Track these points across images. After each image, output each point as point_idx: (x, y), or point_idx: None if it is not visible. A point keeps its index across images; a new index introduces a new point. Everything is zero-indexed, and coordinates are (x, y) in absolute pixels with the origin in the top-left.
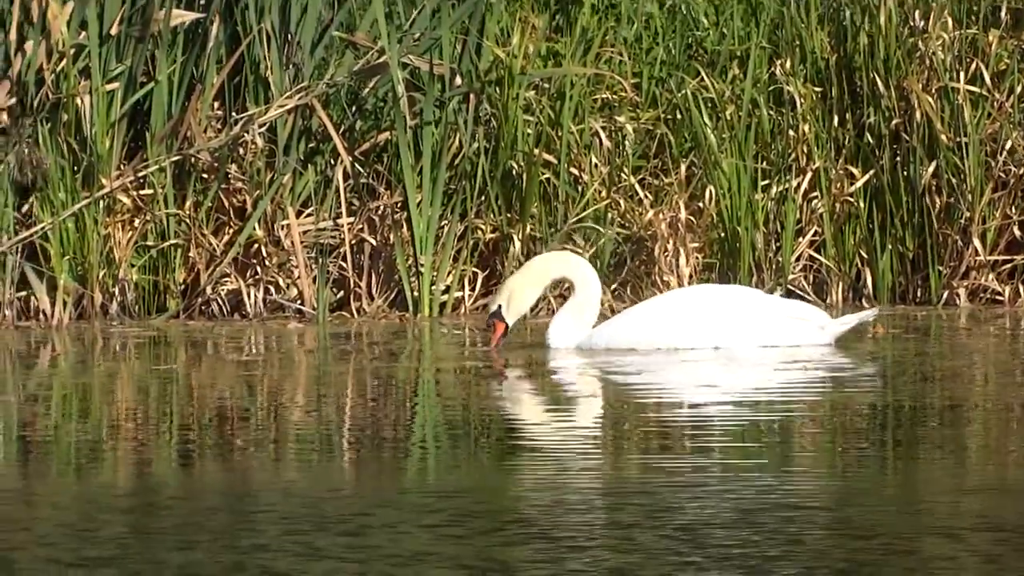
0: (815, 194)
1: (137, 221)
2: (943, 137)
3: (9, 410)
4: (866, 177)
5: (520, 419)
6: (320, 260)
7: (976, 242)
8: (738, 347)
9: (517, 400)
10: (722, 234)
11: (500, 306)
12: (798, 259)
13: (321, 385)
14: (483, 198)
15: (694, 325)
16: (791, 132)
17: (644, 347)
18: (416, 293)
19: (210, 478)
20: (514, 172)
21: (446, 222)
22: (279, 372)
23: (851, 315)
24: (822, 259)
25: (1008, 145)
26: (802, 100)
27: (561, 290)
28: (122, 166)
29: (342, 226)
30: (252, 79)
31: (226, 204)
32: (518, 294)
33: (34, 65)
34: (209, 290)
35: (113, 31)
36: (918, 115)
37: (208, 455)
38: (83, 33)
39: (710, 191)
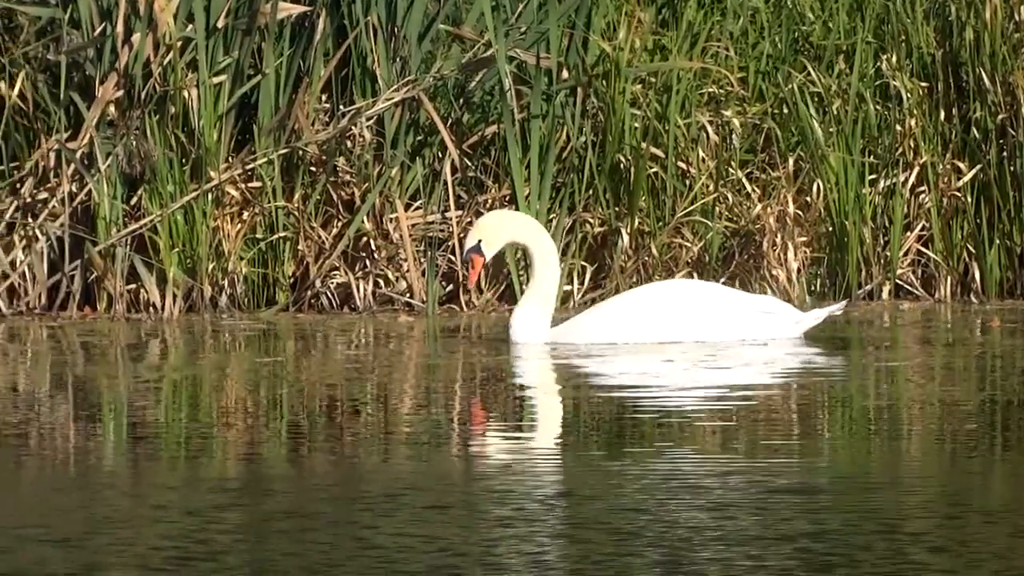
0: (922, 189)
1: (246, 214)
2: None
3: (120, 401)
4: (973, 172)
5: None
6: (429, 253)
7: None
8: (711, 341)
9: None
10: (830, 228)
11: (479, 241)
12: (906, 254)
13: (430, 378)
14: (591, 192)
15: (667, 320)
16: (898, 127)
17: (619, 342)
18: (524, 286)
19: (319, 469)
20: (622, 166)
21: (554, 216)
22: (388, 365)
23: (821, 309)
24: (930, 254)
25: None
26: (908, 95)
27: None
28: (230, 158)
29: (450, 219)
30: (359, 72)
31: (334, 197)
32: (497, 228)
33: (141, 58)
34: (318, 283)
35: (220, 24)
36: None
37: (317, 446)
38: (190, 26)
39: (817, 185)
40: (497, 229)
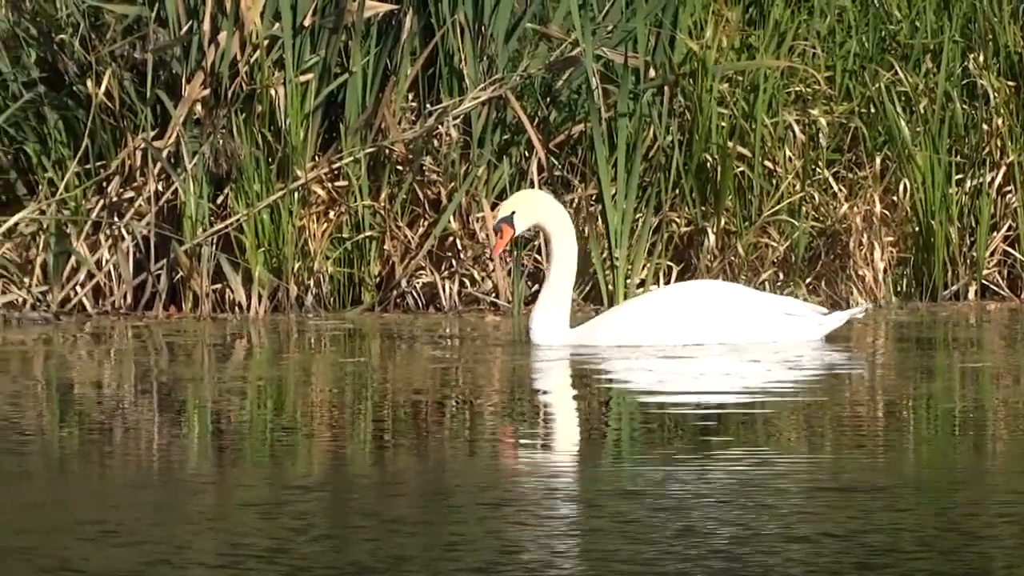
0: (1009, 188)
1: (332, 213)
2: None
3: (205, 400)
4: None
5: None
6: (515, 253)
7: None
8: (735, 343)
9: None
10: (916, 228)
11: (513, 213)
12: (992, 254)
13: (515, 378)
14: (677, 191)
15: (691, 322)
16: (984, 126)
17: (640, 344)
18: (611, 286)
19: (404, 468)
20: (708, 165)
21: (640, 215)
22: (474, 365)
23: (843, 311)
24: (1016, 254)
25: None
26: (995, 94)
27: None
28: (316, 157)
29: None
30: (446, 71)
31: (421, 196)
32: (534, 202)
33: (228, 56)
34: (404, 283)
35: (307, 22)
36: None
37: (401, 446)
38: (277, 24)
39: (904, 185)
40: (534, 206)
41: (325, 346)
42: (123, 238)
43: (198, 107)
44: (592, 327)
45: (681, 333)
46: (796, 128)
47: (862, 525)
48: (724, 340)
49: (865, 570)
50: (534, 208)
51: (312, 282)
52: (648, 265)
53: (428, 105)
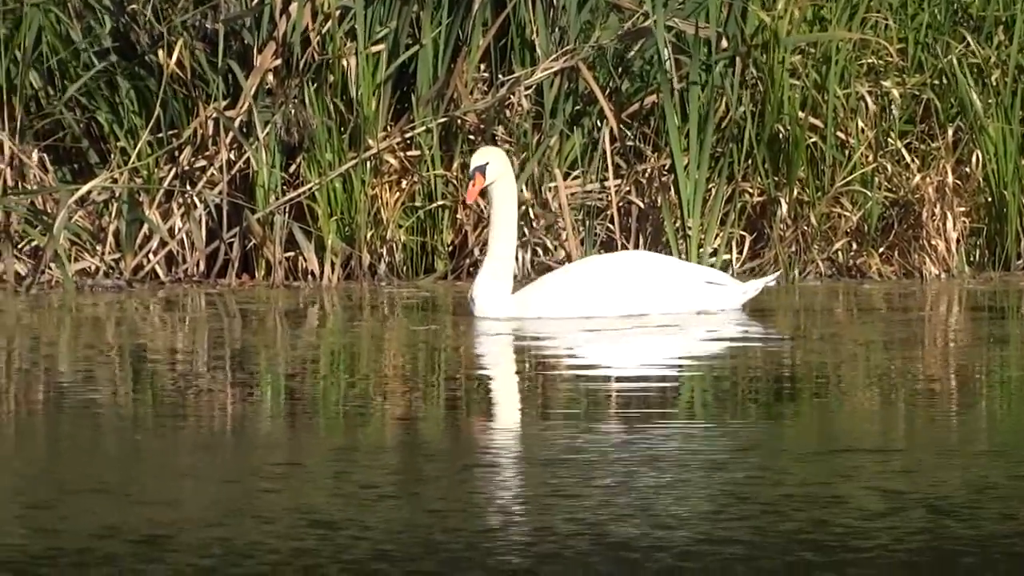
0: None
1: (404, 182)
2: None
3: (277, 367)
4: None
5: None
6: (587, 222)
7: None
8: (658, 312)
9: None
10: (988, 199)
11: (487, 163)
12: None
13: (585, 346)
14: (750, 161)
15: (619, 292)
16: None
17: (571, 316)
18: (684, 256)
19: (474, 435)
20: (780, 136)
21: (713, 185)
22: (544, 334)
23: (758, 280)
24: None
25: None
26: None
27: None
28: (388, 127)
29: (609, 188)
30: (517, 41)
31: None
32: (499, 162)
33: (299, 27)
34: (476, 251)
35: None
36: None
37: (471, 413)
38: None
39: (977, 156)
40: (503, 162)
41: (397, 314)
42: (195, 206)
43: (270, 77)
44: (524, 297)
45: (609, 304)
46: (868, 99)
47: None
48: (649, 310)
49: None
50: (503, 164)
51: (385, 250)
52: (721, 235)
53: (500, 75)
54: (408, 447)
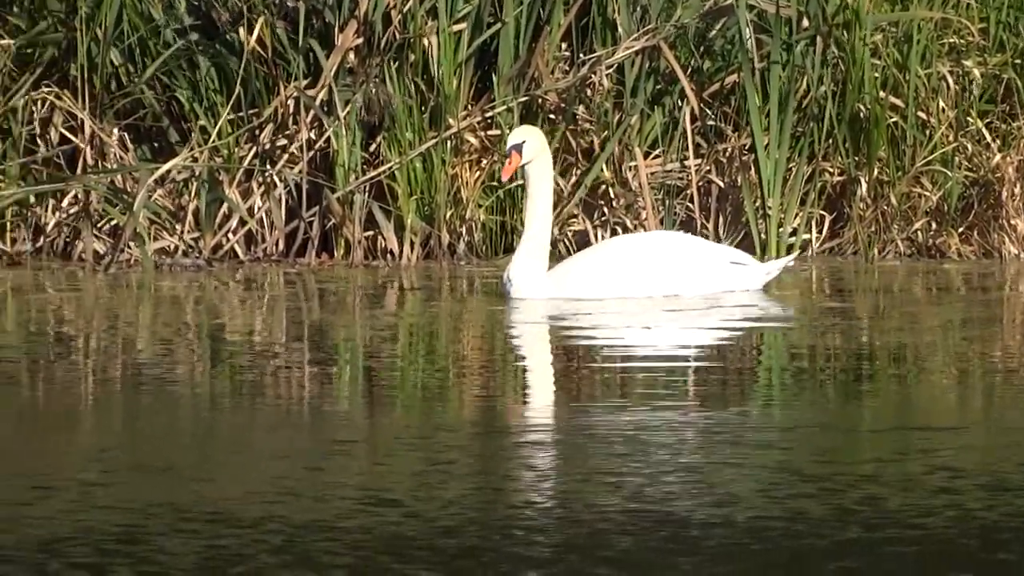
0: None
1: (484, 161)
2: None
3: (356, 345)
4: None
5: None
6: (667, 202)
7: None
8: (685, 293)
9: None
10: None
11: (524, 142)
12: None
13: (672, 325)
14: (830, 141)
15: (652, 273)
16: None
17: (608, 296)
18: (764, 235)
19: (554, 414)
20: (861, 115)
21: (793, 164)
22: (625, 312)
23: (779, 260)
24: None
25: None
26: None
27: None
28: (469, 106)
29: (689, 168)
30: (599, 20)
31: (573, 145)
32: (535, 142)
33: (381, 5)
34: (556, 231)
35: None
36: None
37: (553, 391)
38: None
39: None
40: (540, 141)
41: (476, 293)
42: (275, 185)
43: (351, 56)
44: (559, 279)
45: (642, 284)
46: (949, 79)
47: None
48: (678, 291)
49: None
50: (539, 142)
51: (464, 230)
52: (801, 214)
53: (581, 55)
54: (477, 425)
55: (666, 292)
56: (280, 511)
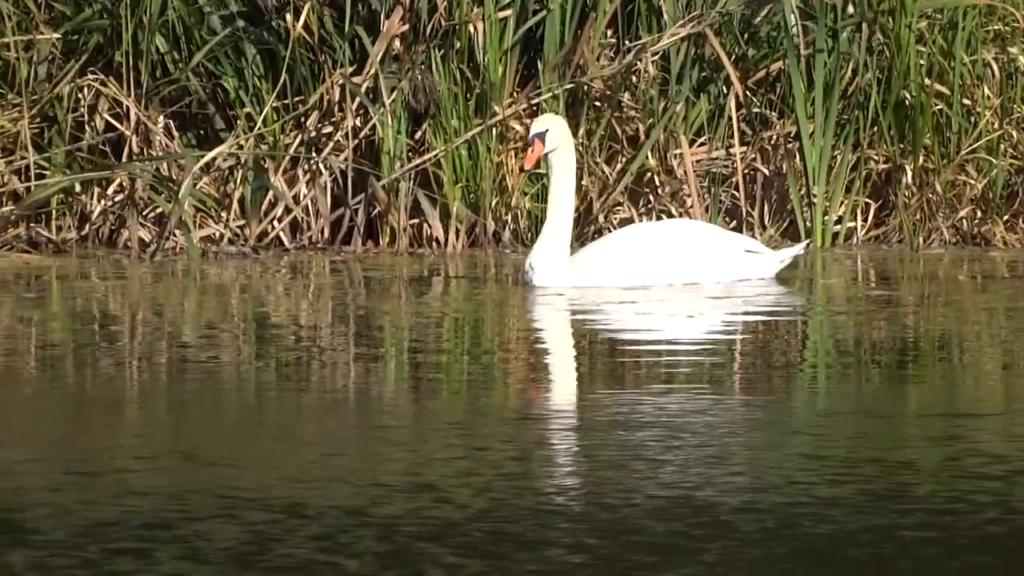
0: None
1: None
2: None
3: (402, 333)
4: None
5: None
6: (713, 189)
7: None
8: (704, 281)
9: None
10: None
11: (547, 131)
12: None
13: (709, 313)
14: (875, 128)
15: (673, 260)
16: None
17: (628, 284)
18: (808, 223)
19: (592, 401)
20: (906, 103)
21: (838, 152)
22: (668, 300)
23: (790, 248)
24: None
25: None
26: None
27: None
28: (515, 93)
29: (734, 155)
30: (644, 7)
31: (619, 132)
32: (558, 130)
33: None
34: (601, 218)
35: None
36: None
37: (599, 379)
38: None
39: None
40: (564, 129)
41: (521, 281)
42: (321, 173)
43: (396, 43)
44: (580, 268)
45: (663, 272)
46: (995, 66)
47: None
48: (694, 279)
49: None
50: (563, 131)
51: (509, 217)
52: (846, 202)
53: (626, 41)
54: (515, 411)
55: (686, 280)
56: (319, 497)
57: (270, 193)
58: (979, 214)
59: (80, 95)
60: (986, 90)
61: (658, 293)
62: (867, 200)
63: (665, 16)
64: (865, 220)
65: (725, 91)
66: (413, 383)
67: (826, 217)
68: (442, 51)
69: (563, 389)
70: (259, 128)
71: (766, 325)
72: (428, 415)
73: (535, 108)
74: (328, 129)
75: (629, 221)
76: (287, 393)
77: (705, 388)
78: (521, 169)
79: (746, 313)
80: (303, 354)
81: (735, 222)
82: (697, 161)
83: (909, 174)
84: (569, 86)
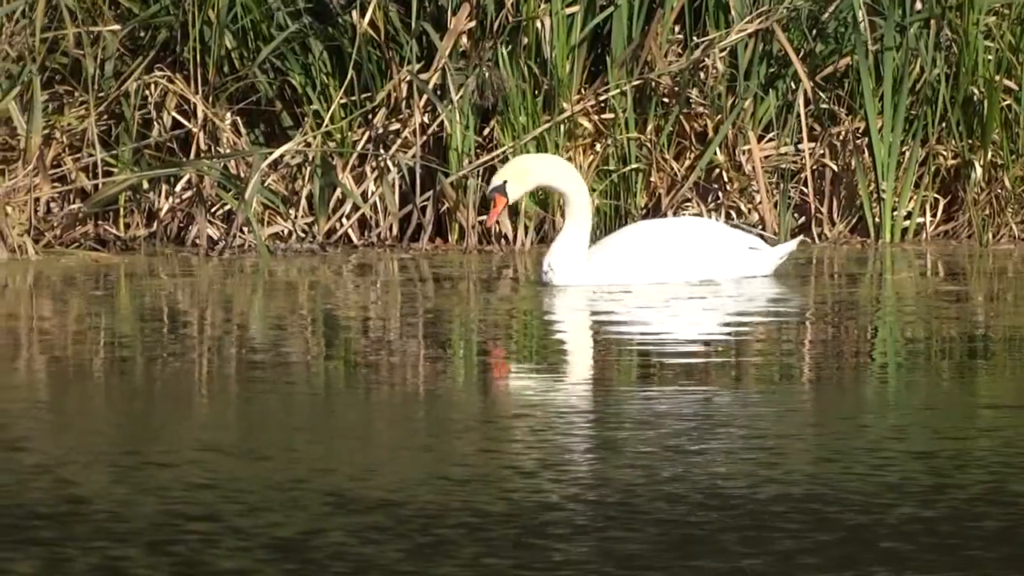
0: None
1: (598, 145)
2: None
3: (470, 331)
4: None
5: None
6: (781, 185)
7: None
8: (717, 278)
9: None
10: None
11: (505, 182)
12: None
13: (780, 308)
14: (944, 124)
15: (688, 258)
16: None
17: (642, 281)
18: (877, 219)
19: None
20: (975, 98)
21: (907, 148)
22: (736, 295)
23: (786, 243)
24: None
25: None
26: None
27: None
28: (582, 90)
29: (803, 151)
30: (712, 3)
31: (687, 128)
32: (526, 172)
33: None
34: (670, 214)
35: None
36: None
37: (667, 375)
38: None
39: None
40: (526, 173)
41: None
42: (389, 170)
43: (464, 39)
44: (597, 267)
45: (679, 270)
46: None
47: None
48: (694, 277)
49: None
50: (526, 174)
51: None
52: (915, 198)
53: (694, 37)
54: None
55: (699, 277)
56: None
57: (338, 190)
58: None
59: (147, 92)
60: None
61: (701, 290)
62: (936, 195)
63: (732, 12)
64: (934, 215)
65: (793, 87)
66: (480, 379)
67: (895, 213)
68: (509, 47)
69: (617, 384)
70: (327, 125)
71: (836, 319)
72: (493, 410)
73: (603, 104)
74: (396, 126)
75: (698, 217)
76: (354, 389)
77: (784, 384)
78: (487, 227)
79: (818, 308)
80: (370, 350)
81: (803, 218)
82: (765, 157)
83: (978, 170)
84: (637, 82)
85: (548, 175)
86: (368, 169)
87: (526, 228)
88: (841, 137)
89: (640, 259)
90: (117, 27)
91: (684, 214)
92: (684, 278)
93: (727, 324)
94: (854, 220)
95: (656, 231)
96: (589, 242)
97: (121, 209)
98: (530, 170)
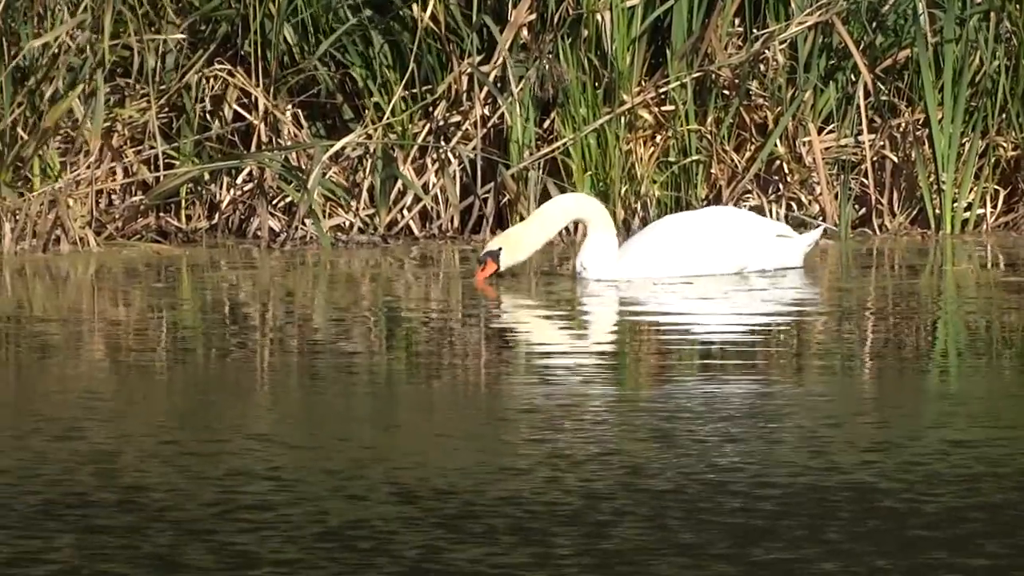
0: None
1: (658, 137)
2: None
3: (528, 324)
4: None
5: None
6: (842, 177)
7: None
8: (752, 269)
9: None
10: None
11: (500, 249)
12: None
13: (843, 301)
14: (1004, 115)
15: (720, 250)
16: None
17: (674, 275)
18: (938, 210)
19: (729, 390)
20: None
21: (967, 139)
22: (799, 286)
23: (809, 232)
24: None
25: None
26: None
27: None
28: (643, 82)
29: (863, 143)
30: None
31: (747, 121)
32: (520, 243)
33: None
34: (731, 206)
35: None
36: None
37: (726, 368)
38: None
39: None
40: (521, 246)
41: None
42: (450, 162)
43: (524, 32)
44: (628, 261)
45: (709, 262)
46: None
47: None
48: (726, 267)
49: None
50: (521, 247)
51: (639, 205)
52: (975, 189)
53: (754, 30)
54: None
55: (732, 269)
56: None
57: (399, 182)
58: None
59: (208, 85)
60: None
61: (761, 281)
62: (996, 187)
63: (792, 4)
64: (994, 207)
65: (853, 79)
66: (538, 371)
67: (955, 204)
68: (570, 40)
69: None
70: (388, 117)
71: (897, 311)
72: (545, 402)
73: (663, 97)
74: (456, 118)
75: (759, 210)
76: (415, 381)
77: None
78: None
79: (878, 298)
80: (431, 342)
81: (864, 209)
82: (826, 149)
83: None
84: (697, 75)
85: (561, 218)
86: (429, 161)
87: None
88: (901, 129)
89: (671, 252)
90: (179, 21)
91: (744, 206)
92: (716, 269)
93: (787, 315)
94: (914, 212)
95: (685, 224)
96: (620, 240)
97: (183, 201)
98: (525, 244)
